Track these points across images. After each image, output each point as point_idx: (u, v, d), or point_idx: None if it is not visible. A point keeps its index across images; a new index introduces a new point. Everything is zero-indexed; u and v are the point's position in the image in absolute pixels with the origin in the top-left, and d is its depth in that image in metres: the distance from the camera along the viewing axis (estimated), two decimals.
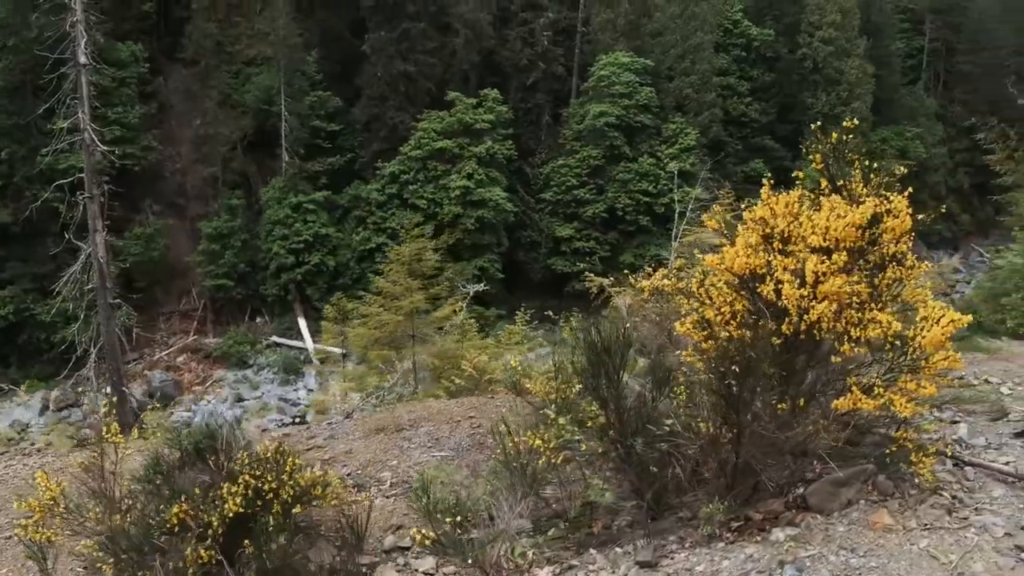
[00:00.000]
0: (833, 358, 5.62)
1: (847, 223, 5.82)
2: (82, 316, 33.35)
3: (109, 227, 32.47)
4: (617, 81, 46.54)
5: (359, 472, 9.11)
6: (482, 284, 24.85)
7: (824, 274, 5.68)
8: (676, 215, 15.64)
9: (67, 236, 32.38)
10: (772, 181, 6.70)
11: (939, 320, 5.67)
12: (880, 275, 6.00)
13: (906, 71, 57.37)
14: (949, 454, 6.46)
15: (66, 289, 32.58)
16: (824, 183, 6.57)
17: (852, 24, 50.52)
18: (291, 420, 31.12)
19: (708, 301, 5.91)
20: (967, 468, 6.40)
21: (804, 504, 5.76)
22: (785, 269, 5.71)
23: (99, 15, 34.13)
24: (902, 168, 6.79)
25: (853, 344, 5.64)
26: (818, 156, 6.44)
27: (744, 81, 50.37)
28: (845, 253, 5.85)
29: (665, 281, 8.25)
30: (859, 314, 5.58)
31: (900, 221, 5.83)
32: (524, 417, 6.96)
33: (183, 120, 44.04)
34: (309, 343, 40.27)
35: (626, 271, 11.53)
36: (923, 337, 5.62)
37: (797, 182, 6.63)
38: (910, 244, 6.36)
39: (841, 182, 6.26)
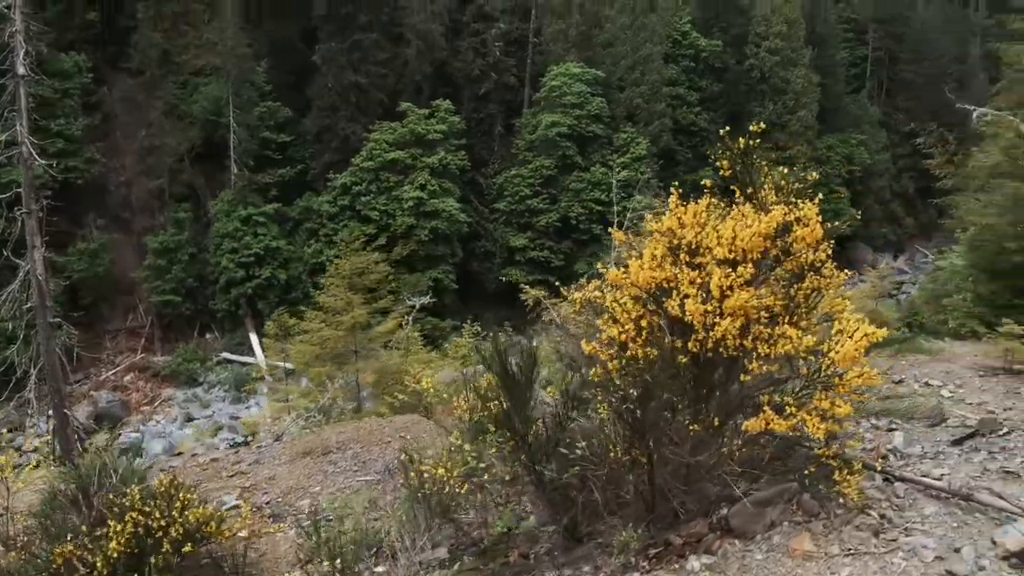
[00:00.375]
0: (742, 377, 5.34)
1: (753, 233, 5.55)
2: (21, 336, 32.09)
3: (51, 243, 31.23)
4: (568, 91, 46.61)
5: (279, 500, 8.67)
6: (427, 297, 24.37)
7: (731, 288, 5.40)
8: (615, 225, 15.50)
9: (5, 253, 31.21)
10: (680, 190, 6.41)
11: (853, 334, 5.41)
12: (797, 286, 5.76)
13: (850, 80, 58.32)
14: (879, 468, 6.22)
15: (4, 308, 31.36)
16: (739, 191, 6.32)
17: (798, 35, 51.21)
18: (243, 440, 30.27)
19: (614, 318, 5.61)
20: (897, 484, 6.16)
21: (727, 526, 5.49)
22: (692, 283, 5.42)
23: (41, 25, 33.02)
24: (815, 175, 6.57)
25: (762, 361, 5.36)
26: (725, 162, 6.18)
27: (693, 91, 50.75)
28: (752, 265, 5.58)
29: (597, 293, 7.97)
30: (768, 329, 5.31)
31: (810, 230, 5.58)
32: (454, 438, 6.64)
33: (128, 131, 42.91)
34: (261, 359, 39.31)
35: (558, 283, 11.23)
36: (836, 352, 5.35)
37: (705, 191, 6.36)
38: (829, 252, 6.13)
39: (751, 190, 6.01)
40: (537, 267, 44.99)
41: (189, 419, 35.72)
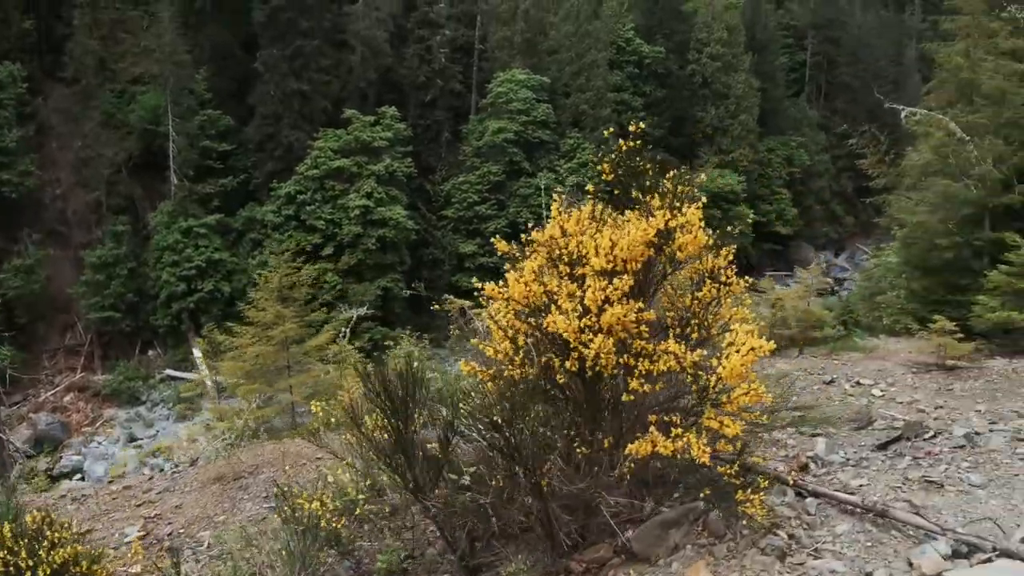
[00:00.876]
0: (624, 396, 4.93)
1: (632, 241, 5.14)
2: None
3: None
4: (515, 98, 46.40)
5: (181, 531, 8.08)
6: (365, 308, 23.67)
7: (608, 301, 4.97)
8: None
9: None
10: (564, 193, 5.98)
11: (741, 348, 5.00)
12: (692, 296, 5.36)
13: (790, 84, 59.13)
14: (791, 482, 5.85)
15: None
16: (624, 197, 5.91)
17: (738, 41, 51.74)
18: (189, 462, 29.18)
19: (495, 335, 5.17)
20: (810, 499, 5.80)
21: (631, 550, 5.08)
22: (570, 296, 5.00)
23: None
24: (703, 177, 6.20)
25: (643, 380, 4.95)
26: (606, 166, 5.77)
27: (637, 97, 50.93)
28: (633, 276, 5.16)
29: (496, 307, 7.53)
30: (651, 345, 4.91)
31: (692, 236, 5.19)
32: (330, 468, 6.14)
33: (64, 143, 41.47)
34: (206, 375, 38.09)
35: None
36: (723, 368, 4.95)
37: (588, 196, 5.93)
38: (728, 259, 5.76)
39: (634, 194, 5.62)
40: (488, 273, 44.25)
41: (132, 439, 34.42)
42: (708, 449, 4.84)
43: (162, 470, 18.15)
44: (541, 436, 4.71)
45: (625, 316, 4.93)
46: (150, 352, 40.60)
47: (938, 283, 16.29)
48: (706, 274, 5.54)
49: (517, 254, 5.80)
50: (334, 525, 4.72)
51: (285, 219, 42.29)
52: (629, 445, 4.78)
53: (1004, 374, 11.21)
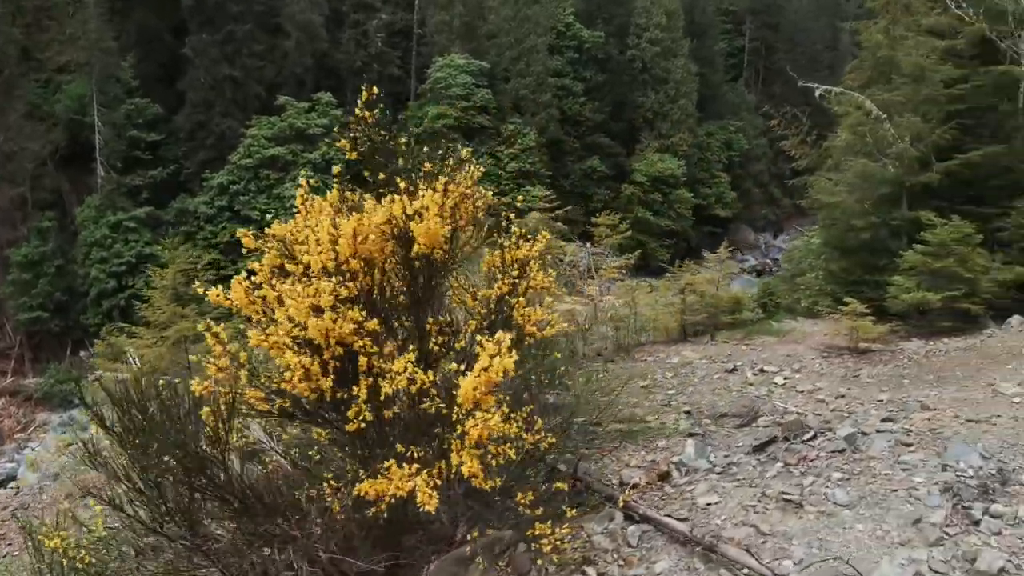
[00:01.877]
0: (348, 427, 4.09)
1: (352, 232, 4.27)
2: None
3: None
4: (454, 83, 45.25)
5: (16, 556, 7.01)
6: None
7: (321, 309, 4.10)
8: None
9: None
10: (314, 181, 5.06)
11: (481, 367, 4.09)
12: (473, 297, 4.52)
13: (728, 69, 58.87)
14: (621, 505, 5.06)
15: None
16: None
17: (677, 26, 51.19)
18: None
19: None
20: (633, 528, 5.02)
21: None
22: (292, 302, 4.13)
23: None
24: (466, 150, 5.35)
25: (368, 404, 4.11)
26: (347, 143, 4.88)
27: (578, 82, 50.08)
28: (368, 275, 4.29)
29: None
30: (380, 363, 4.08)
31: (426, 227, 4.34)
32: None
33: None
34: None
35: None
36: (458, 392, 4.08)
37: (335, 181, 5.03)
38: (534, 251, 4.93)
39: (385, 176, 4.76)
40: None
41: (67, 444, 32.72)
42: (435, 497, 3.93)
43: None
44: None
45: (340, 327, 4.07)
46: (82, 353, 38.76)
47: (856, 264, 15.79)
48: (497, 270, 4.74)
49: (265, 249, 4.89)
50: (78, 565, 3.86)
51: (218, 210, 40.70)
52: (358, 485, 3.95)
53: (915, 359, 10.66)
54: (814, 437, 7.05)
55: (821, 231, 18.25)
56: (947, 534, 5.03)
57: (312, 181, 5.06)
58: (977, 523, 5.14)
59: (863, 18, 20.64)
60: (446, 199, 4.60)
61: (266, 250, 4.82)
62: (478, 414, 3.88)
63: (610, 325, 13.10)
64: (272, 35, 43.83)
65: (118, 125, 39.59)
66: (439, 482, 3.91)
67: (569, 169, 49.56)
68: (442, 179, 4.61)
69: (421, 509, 3.80)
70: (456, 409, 3.98)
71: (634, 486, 5.98)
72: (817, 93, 16.23)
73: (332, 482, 4.02)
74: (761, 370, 10.72)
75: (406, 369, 3.95)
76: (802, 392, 9.38)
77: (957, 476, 5.76)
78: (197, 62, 41.49)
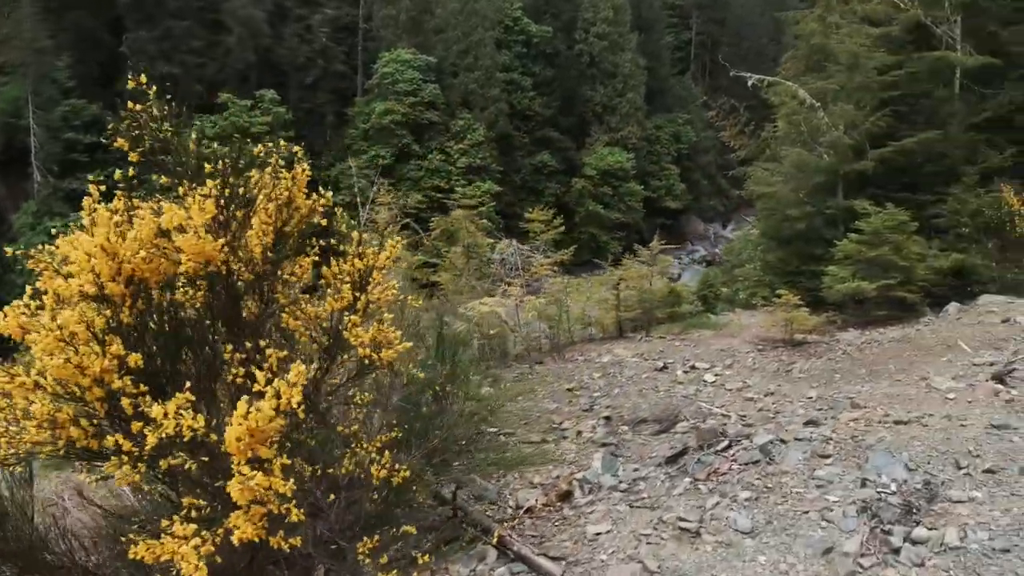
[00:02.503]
0: (117, 481, 3.40)
1: (99, 249, 3.58)
2: None
3: None
4: (401, 79, 44.28)
5: None
6: None
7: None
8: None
9: None
10: (101, 188, 4.28)
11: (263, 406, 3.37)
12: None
13: (676, 63, 58.71)
14: (494, 541, 4.42)
15: None
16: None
17: (624, 20, 50.83)
18: None
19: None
20: (502, 570, 4.38)
21: None
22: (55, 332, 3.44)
23: None
24: (260, 148, 4.65)
25: (131, 455, 3.41)
26: (124, 142, 4.14)
27: (527, 76, 49.48)
28: (133, 298, 3.59)
29: None
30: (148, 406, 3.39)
31: (188, 237, 3.66)
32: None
33: None
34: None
35: None
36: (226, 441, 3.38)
37: (120, 186, 4.28)
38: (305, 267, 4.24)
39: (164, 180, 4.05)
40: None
41: None
42: (201, 568, 3.25)
43: None
44: None
45: (89, 367, 3.39)
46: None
47: (793, 254, 15.41)
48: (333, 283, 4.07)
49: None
50: None
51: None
52: (133, 548, 3.28)
53: (848, 352, 10.20)
54: (729, 447, 6.48)
55: (759, 222, 17.86)
56: (861, 567, 4.46)
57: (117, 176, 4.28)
58: (897, 551, 4.57)
59: (803, 9, 20.33)
60: (230, 208, 3.88)
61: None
62: (245, 470, 3.19)
63: (544, 324, 12.49)
64: (213, 31, 42.40)
65: (54, 127, 37.91)
66: (215, 547, 3.22)
67: (520, 164, 48.96)
68: (211, 184, 3.89)
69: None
70: (214, 458, 3.29)
71: (528, 510, 5.36)
72: (750, 83, 15.80)
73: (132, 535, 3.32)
74: (692, 367, 10.18)
75: (170, 414, 3.24)
76: (731, 390, 8.85)
77: (878, 493, 5.21)
78: (133, 60, 39.86)
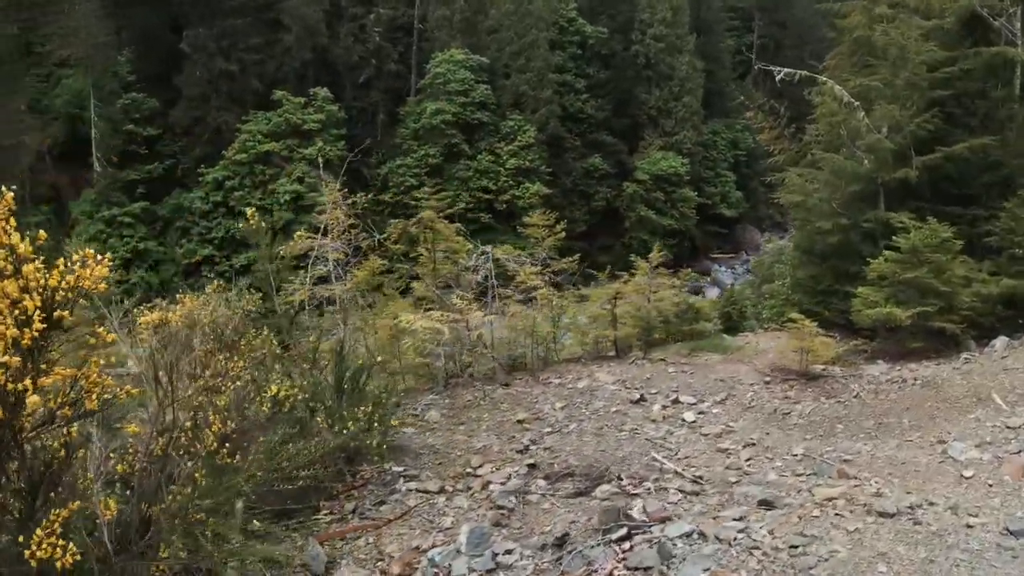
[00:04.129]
0: None
1: None
2: None
3: None
4: (453, 79, 43.24)
5: None
6: None
7: None
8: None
9: None
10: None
11: None
12: None
13: (736, 66, 56.03)
14: None
15: None
16: None
17: (682, 21, 48.67)
18: None
19: None
20: None
21: None
22: None
23: None
24: None
25: None
26: None
27: (580, 78, 47.75)
28: None
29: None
30: None
31: None
32: None
33: None
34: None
35: None
36: None
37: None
38: None
39: None
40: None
41: None
42: None
43: None
44: None
45: None
46: None
47: (826, 271, 13.52)
48: None
49: None
50: None
51: (214, 206, 39.29)
52: None
53: (862, 395, 8.41)
54: (628, 536, 4.95)
55: (796, 234, 15.92)
56: None
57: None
58: None
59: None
60: None
61: None
62: None
63: (529, 340, 11.05)
64: (272, 29, 42.15)
65: (115, 120, 38.30)
66: None
67: (570, 167, 47.31)
68: None
69: None
70: None
71: None
72: (778, 77, 13.93)
73: None
74: (675, 400, 8.56)
75: None
76: (707, 436, 7.26)
77: None
78: (194, 57, 39.99)
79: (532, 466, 6.89)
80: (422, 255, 12.71)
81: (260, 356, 7.70)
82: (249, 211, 10.84)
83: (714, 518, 5.14)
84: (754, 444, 6.95)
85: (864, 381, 9.15)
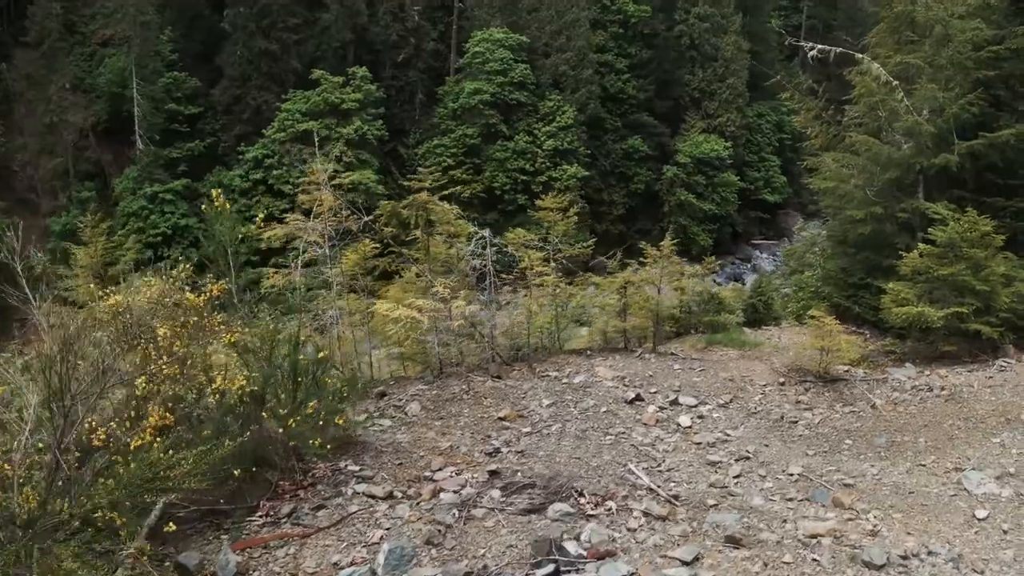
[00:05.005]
0: None
1: None
2: None
3: None
4: (491, 58, 42.41)
5: None
6: None
7: None
8: None
9: None
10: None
11: None
12: None
13: (783, 47, 53.87)
14: None
15: None
16: None
17: (728, 1, 46.86)
18: None
19: None
20: None
21: None
22: None
23: None
24: None
25: None
26: None
27: (622, 58, 46.39)
28: None
29: None
30: None
31: None
32: None
33: (32, 108, 38.55)
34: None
35: None
36: None
37: None
38: None
39: None
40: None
41: None
42: None
43: None
44: None
45: None
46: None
47: (858, 263, 12.54)
48: None
49: None
50: None
51: (253, 184, 39.32)
52: None
53: (880, 406, 7.57)
54: (555, 574, 4.29)
55: (830, 223, 14.91)
56: None
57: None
58: None
59: None
60: None
61: None
62: None
63: (536, 330, 10.41)
64: (311, 8, 41.83)
65: (157, 98, 38.48)
66: None
67: (609, 148, 46.19)
68: None
69: None
70: None
71: None
72: (810, 53, 12.89)
73: None
74: (674, 401, 7.86)
75: None
76: (699, 445, 6.55)
77: None
78: (235, 36, 39.94)
79: (494, 473, 6.29)
80: (417, 239, 12.17)
81: (211, 345, 7.26)
82: (214, 192, 10.39)
83: (663, 557, 4.48)
84: (748, 457, 6.24)
85: (887, 387, 8.30)
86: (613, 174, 46.46)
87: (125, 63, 38.24)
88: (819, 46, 13.12)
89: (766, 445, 6.57)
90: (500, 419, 7.80)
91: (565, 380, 9.01)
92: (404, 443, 6.86)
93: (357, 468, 6.47)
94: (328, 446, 6.60)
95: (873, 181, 12.05)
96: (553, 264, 11.12)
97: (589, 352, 10.58)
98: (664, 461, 6.21)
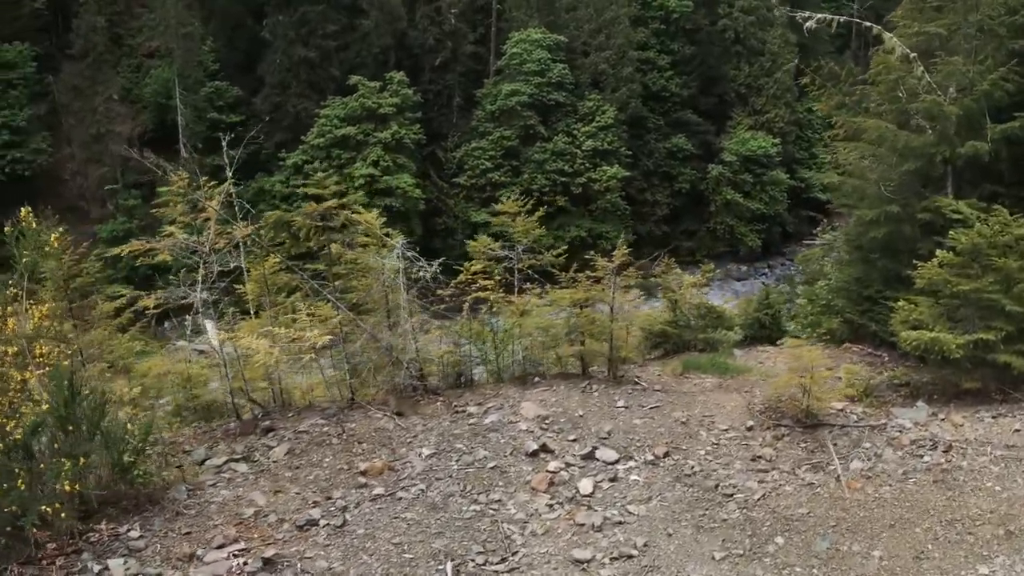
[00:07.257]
0: None
1: None
2: None
3: None
4: (529, 59, 40.85)
5: None
6: None
7: None
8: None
9: None
10: None
11: None
12: None
13: (834, 39, 50.26)
14: None
15: None
16: None
17: None
18: None
19: None
20: None
21: None
22: None
23: None
24: None
25: None
26: None
27: (664, 55, 44.06)
28: None
29: None
30: None
31: None
32: None
33: (80, 119, 38.99)
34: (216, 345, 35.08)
35: None
36: None
37: None
38: None
39: None
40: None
41: None
42: None
43: None
44: None
45: None
46: (166, 324, 38.16)
47: (873, 272, 10.28)
48: None
49: None
50: None
51: (293, 189, 38.77)
52: None
53: (843, 482, 5.51)
54: None
55: (848, 225, 12.63)
56: None
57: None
58: None
59: None
60: None
61: None
62: None
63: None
64: (351, 15, 41.05)
65: (199, 107, 38.38)
66: None
67: (652, 148, 43.91)
68: None
69: None
70: None
71: None
72: (807, 24, 10.72)
73: None
74: (589, 455, 6.09)
75: None
76: (580, 528, 4.84)
77: None
78: (275, 45, 39.53)
79: (268, 562, 4.62)
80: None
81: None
82: (23, 210, 9.02)
83: None
84: (631, 556, 4.41)
85: (880, 439, 6.26)
86: (656, 174, 44.15)
87: (169, 74, 38.27)
88: (817, 15, 10.92)
89: (669, 534, 4.73)
90: (361, 473, 6.17)
91: (475, 419, 7.28)
92: (215, 503, 5.36)
93: (137, 534, 5.03)
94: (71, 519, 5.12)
95: (887, 175, 9.83)
96: (519, 275, 9.40)
97: (537, 380, 8.79)
98: (519, 552, 4.48)
